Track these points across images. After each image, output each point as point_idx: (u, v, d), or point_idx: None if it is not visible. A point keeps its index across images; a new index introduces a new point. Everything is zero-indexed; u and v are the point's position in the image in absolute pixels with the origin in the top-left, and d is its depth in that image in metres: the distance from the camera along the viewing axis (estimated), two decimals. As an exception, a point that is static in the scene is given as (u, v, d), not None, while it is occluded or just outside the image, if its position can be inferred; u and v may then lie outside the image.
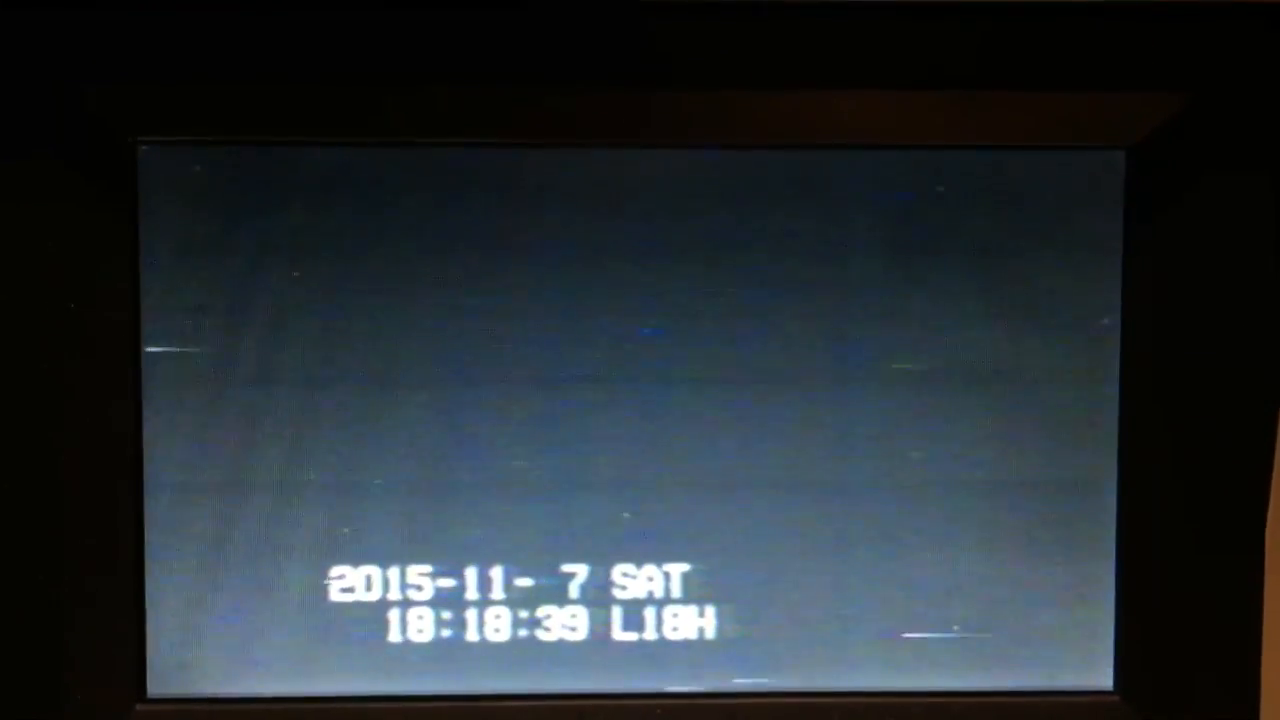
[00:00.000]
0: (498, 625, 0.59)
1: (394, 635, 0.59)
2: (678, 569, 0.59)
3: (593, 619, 0.59)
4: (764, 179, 0.58)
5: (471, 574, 0.59)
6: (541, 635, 0.59)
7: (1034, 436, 0.59)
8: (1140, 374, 0.58)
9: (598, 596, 0.59)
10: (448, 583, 0.59)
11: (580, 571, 0.59)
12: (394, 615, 0.59)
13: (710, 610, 0.59)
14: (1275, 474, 0.58)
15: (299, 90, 0.56)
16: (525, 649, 0.59)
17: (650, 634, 0.60)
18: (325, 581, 0.59)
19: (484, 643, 0.59)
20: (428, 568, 0.59)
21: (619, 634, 0.60)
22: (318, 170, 0.57)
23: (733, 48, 0.56)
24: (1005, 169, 0.58)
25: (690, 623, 0.60)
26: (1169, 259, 0.58)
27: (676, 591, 0.59)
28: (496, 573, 0.59)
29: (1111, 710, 0.59)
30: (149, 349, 0.57)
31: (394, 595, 0.59)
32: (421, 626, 0.59)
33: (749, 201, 0.58)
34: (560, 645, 0.59)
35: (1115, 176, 0.58)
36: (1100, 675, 0.60)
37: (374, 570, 0.59)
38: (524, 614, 0.59)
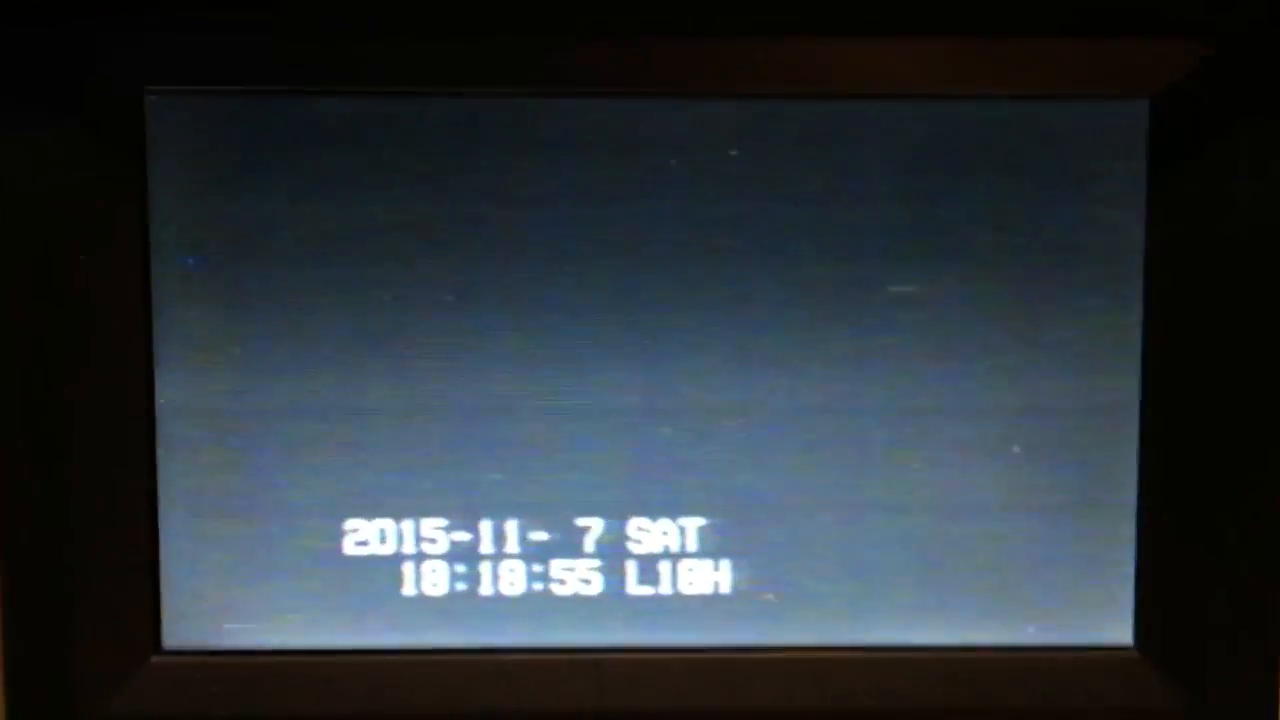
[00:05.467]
0: (512, 579, 0.59)
1: (408, 589, 0.59)
2: (693, 523, 0.59)
3: (607, 573, 0.59)
4: (776, 129, 0.57)
5: (486, 528, 0.59)
6: (556, 589, 0.59)
7: (1055, 394, 0.58)
8: (1163, 327, 0.58)
9: (612, 550, 0.59)
10: (462, 536, 0.59)
11: (595, 525, 0.59)
12: (408, 569, 0.59)
13: (725, 564, 0.59)
14: (1299, 429, 0.58)
15: (309, 40, 0.56)
16: (539, 603, 0.59)
17: (665, 588, 0.59)
18: (340, 534, 0.59)
19: (498, 596, 0.59)
20: (442, 521, 0.59)
21: (634, 588, 0.59)
22: (328, 120, 0.57)
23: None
24: (1025, 119, 0.57)
25: (706, 577, 0.59)
26: (1193, 209, 0.57)
27: (692, 545, 0.59)
28: (511, 526, 0.59)
29: (1130, 666, 0.59)
30: (159, 299, 0.57)
31: (408, 549, 0.59)
32: (436, 580, 0.59)
33: (761, 153, 0.57)
34: (574, 599, 0.59)
35: (1138, 126, 0.57)
36: (1120, 631, 0.59)
37: (388, 524, 0.59)
38: (538, 568, 0.59)
